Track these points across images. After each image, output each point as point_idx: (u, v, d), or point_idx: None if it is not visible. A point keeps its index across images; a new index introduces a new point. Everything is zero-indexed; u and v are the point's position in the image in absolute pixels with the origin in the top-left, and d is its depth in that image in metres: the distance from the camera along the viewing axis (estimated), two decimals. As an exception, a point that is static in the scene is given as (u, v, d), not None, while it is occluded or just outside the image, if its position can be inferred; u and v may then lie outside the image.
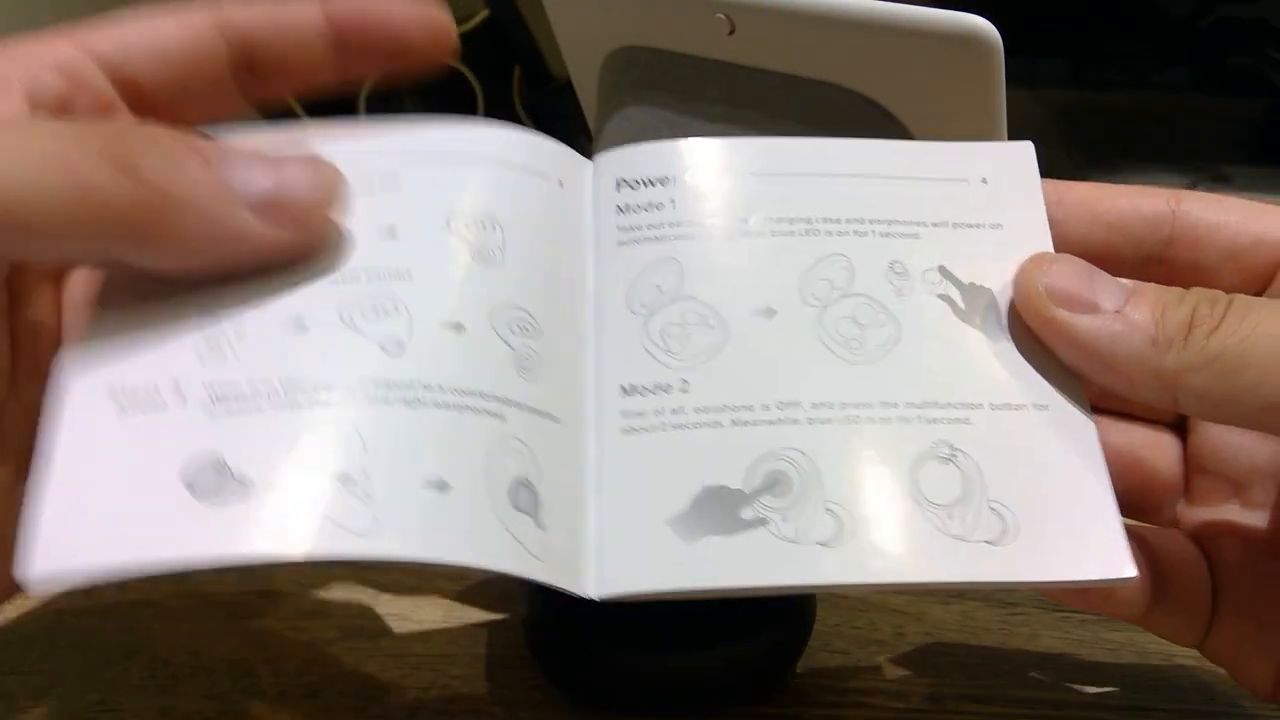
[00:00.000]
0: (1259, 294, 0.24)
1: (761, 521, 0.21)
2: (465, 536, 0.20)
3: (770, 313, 0.23)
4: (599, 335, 0.23)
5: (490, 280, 0.23)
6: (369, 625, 0.30)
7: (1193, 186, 1.04)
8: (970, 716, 0.28)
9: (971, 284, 0.24)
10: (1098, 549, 0.21)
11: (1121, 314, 0.22)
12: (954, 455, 0.22)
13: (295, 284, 0.21)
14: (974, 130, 0.39)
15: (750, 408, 0.22)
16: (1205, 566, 0.25)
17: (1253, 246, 0.24)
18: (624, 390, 0.23)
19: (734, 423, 0.22)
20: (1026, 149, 0.26)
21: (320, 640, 0.30)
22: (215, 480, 0.19)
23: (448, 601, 0.31)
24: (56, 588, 0.19)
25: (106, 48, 0.22)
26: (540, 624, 0.28)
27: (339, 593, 0.32)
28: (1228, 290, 0.22)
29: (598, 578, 0.21)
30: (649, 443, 0.22)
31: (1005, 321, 0.23)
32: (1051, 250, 0.24)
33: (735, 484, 0.21)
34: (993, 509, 0.21)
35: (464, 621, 0.31)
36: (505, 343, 0.22)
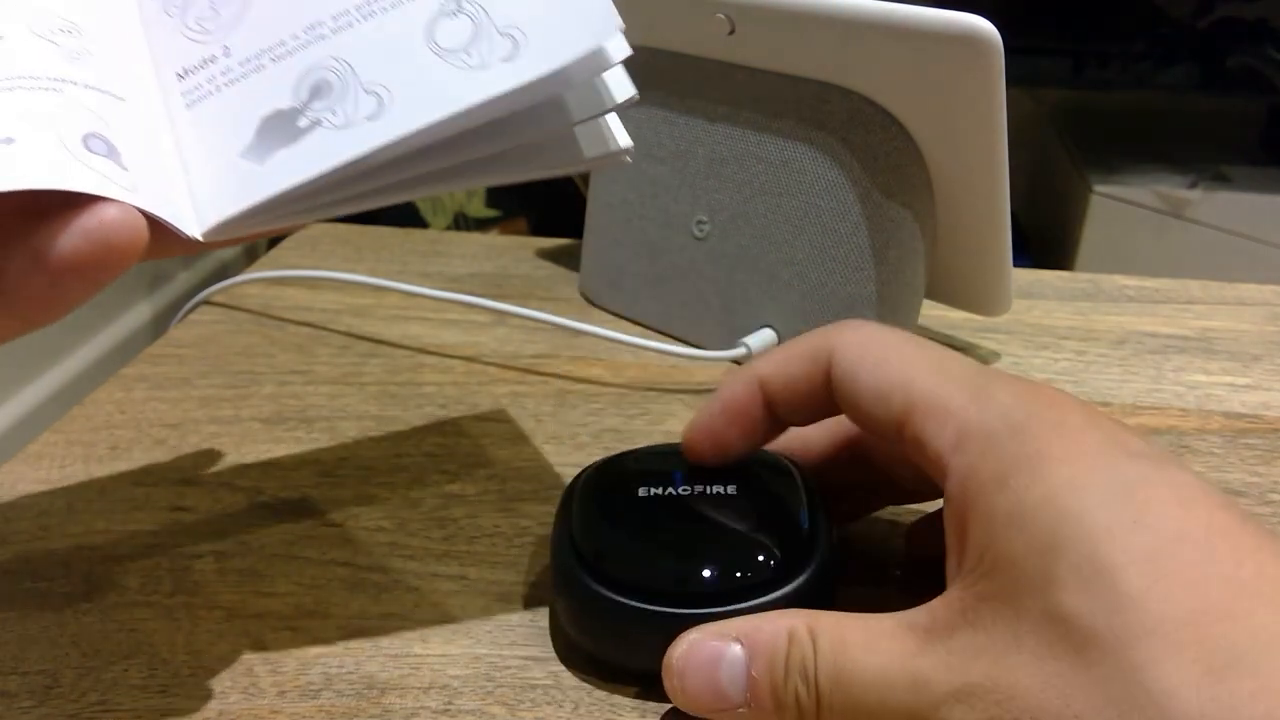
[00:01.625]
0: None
1: (316, 123, 0.25)
2: (42, 168, 0.21)
3: None
4: (150, 38, 0.27)
5: None
6: (369, 625, 0.31)
7: (1193, 186, 1.04)
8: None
9: None
10: (591, 17, 0.24)
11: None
12: (460, 7, 0.25)
13: None
14: (974, 130, 0.39)
15: (283, 43, 0.26)
16: None
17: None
18: (180, 76, 0.27)
19: (274, 60, 0.26)
20: None
21: (320, 640, 0.30)
22: None
23: (448, 602, 0.31)
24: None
25: None
26: (575, 591, 0.28)
27: (339, 593, 0.32)
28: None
29: (198, 219, 0.24)
30: (210, 105, 0.26)
31: None
32: None
33: (287, 104, 0.25)
34: (503, 34, 0.25)
35: (465, 621, 0.31)
36: (50, 41, 0.24)
